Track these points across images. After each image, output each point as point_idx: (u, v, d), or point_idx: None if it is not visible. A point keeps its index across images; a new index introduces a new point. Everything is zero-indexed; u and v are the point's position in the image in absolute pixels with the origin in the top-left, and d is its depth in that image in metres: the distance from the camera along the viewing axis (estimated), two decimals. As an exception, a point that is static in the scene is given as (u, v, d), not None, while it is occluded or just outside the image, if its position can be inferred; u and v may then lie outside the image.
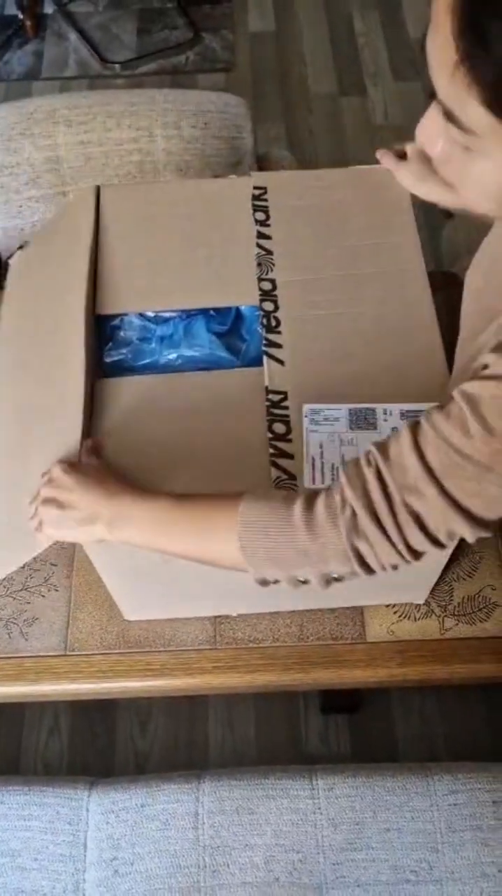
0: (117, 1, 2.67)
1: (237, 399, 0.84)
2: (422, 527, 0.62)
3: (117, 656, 0.94)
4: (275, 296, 0.91)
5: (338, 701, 1.44)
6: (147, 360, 0.92)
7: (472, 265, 0.78)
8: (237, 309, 0.94)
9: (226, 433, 0.82)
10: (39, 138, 1.31)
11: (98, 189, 1.00)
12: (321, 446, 0.79)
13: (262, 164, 1.43)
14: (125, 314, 0.92)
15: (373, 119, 2.33)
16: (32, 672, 0.93)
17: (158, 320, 0.93)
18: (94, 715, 1.49)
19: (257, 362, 0.88)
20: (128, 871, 0.99)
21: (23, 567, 1.00)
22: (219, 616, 0.96)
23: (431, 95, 0.54)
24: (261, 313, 0.89)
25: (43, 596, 0.98)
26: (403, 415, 0.81)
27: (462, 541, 0.65)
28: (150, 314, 0.93)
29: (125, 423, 0.83)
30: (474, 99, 0.50)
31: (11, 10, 2.61)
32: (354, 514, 0.63)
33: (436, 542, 0.63)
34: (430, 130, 0.56)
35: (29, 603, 0.98)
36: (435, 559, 0.87)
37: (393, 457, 0.62)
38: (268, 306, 0.90)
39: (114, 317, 0.93)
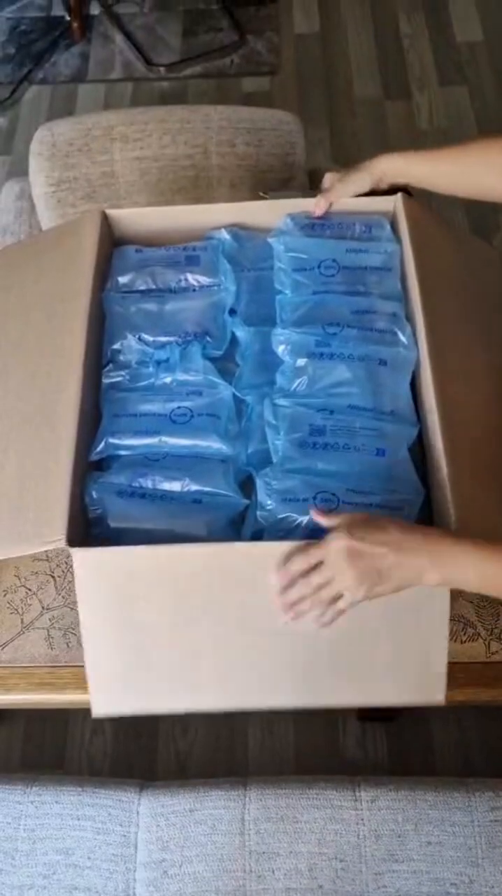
0: (162, 2, 2.68)
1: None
2: None
3: (171, 668, 0.97)
4: None
5: (376, 709, 1.47)
6: (144, 383, 0.97)
7: None
8: (232, 333, 0.99)
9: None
10: (96, 154, 1.35)
11: (104, 213, 1.04)
12: None
13: (313, 179, 1.45)
14: (125, 338, 0.98)
15: (418, 124, 2.33)
16: (91, 681, 0.97)
17: (156, 345, 0.99)
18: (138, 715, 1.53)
19: (249, 387, 0.94)
20: (176, 872, 1.02)
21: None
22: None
23: None
24: None
25: (100, 607, 1.01)
26: None
27: None
28: (149, 339, 0.98)
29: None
30: None
31: (59, 10, 2.64)
32: None
33: None
34: None
35: (87, 614, 1.01)
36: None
37: None
38: None
39: (114, 340, 0.99)
